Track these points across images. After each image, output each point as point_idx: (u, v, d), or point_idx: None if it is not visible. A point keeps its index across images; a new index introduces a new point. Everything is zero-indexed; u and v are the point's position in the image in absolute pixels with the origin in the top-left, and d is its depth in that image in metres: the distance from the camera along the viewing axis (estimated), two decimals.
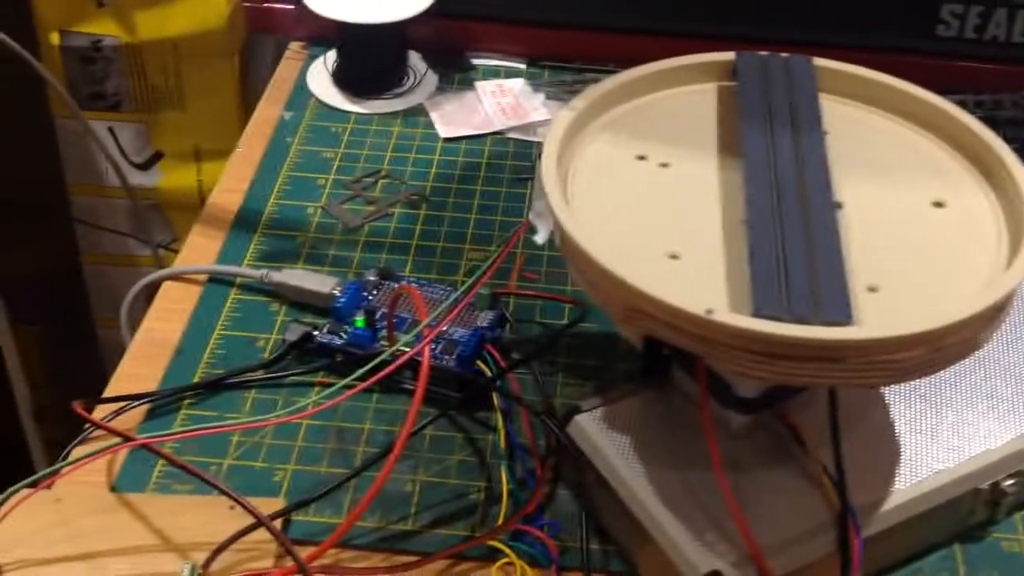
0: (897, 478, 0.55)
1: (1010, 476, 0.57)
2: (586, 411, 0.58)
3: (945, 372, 0.60)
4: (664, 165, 0.57)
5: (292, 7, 0.87)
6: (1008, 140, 0.84)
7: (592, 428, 0.57)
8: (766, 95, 0.60)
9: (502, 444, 0.61)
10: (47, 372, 1.22)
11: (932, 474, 0.56)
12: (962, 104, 0.88)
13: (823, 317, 0.46)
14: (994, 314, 0.48)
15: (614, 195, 0.56)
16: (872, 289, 0.50)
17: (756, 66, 0.62)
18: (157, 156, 1.18)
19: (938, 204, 0.55)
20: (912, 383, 0.59)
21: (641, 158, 0.58)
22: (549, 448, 0.60)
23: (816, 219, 0.51)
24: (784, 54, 0.63)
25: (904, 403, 0.59)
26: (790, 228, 0.51)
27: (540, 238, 0.52)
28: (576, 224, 0.51)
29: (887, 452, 0.57)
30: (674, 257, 0.52)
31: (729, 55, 0.63)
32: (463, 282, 0.68)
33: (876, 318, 0.48)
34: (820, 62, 0.62)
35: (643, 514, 0.54)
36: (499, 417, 0.62)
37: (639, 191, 0.56)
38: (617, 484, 0.55)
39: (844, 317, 0.46)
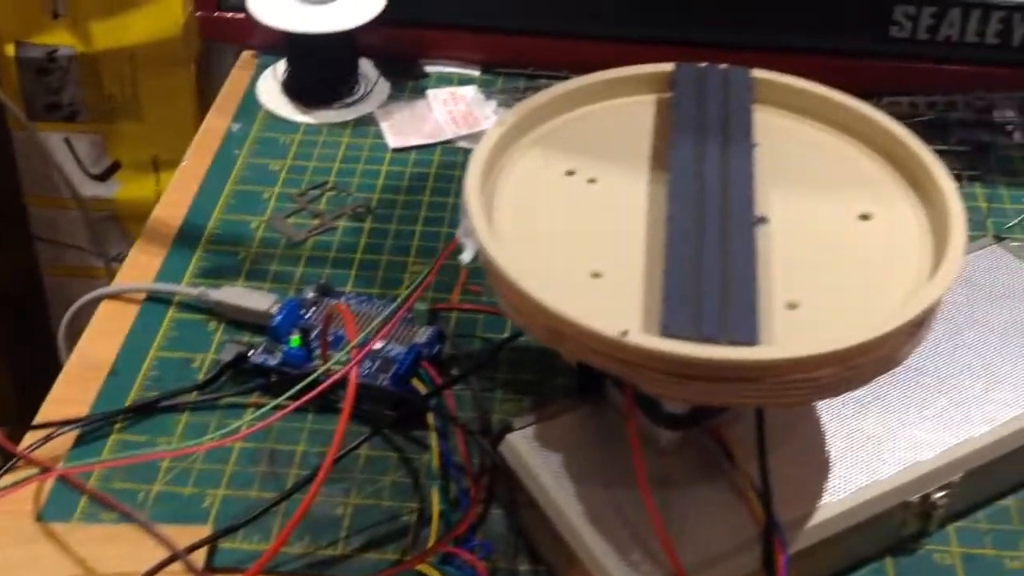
0: (826, 492, 0.55)
1: (941, 488, 0.56)
2: (518, 429, 0.58)
3: (876, 383, 0.59)
4: (592, 181, 0.57)
5: (243, 16, 0.86)
6: (960, 142, 0.85)
7: (523, 446, 0.57)
8: (700, 107, 0.59)
9: (435, 464, 0.60)
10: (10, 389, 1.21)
11: (861, 487, 0.55)
12: (914, 105, 0.88)
13: (730, 337, 0.46)
14: (913, 330, 0.48)
15: (540, 212, 0.55)
16: (792, 306, 0.49)
17: (693, 78, 0.61)
18: (115, 167, 1.18)
19: (864, 216, 0.54)
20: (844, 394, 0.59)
21: (570, 173, 0.57)
22: (483, 467, 0.59)
23: (735, 235, 0.51)
24: (723, 65, 0.62)
25: (834, 415, 0.58)
26: (708, 245, 0.50)
27: (466, 257, 0.52)
28: (497, 246, 0.50)
29: (816, 466, 0.56)
30: (597, 276, 0.51)
31: (669, 66, 0.63)
32: (405, 296, 0.67)
33: (793, 336, 0.48)
34: (758, 73, 0.62)
35: (569, 533, 0.53)
36: (434, 436, 0.61)
37: (566, 208, 0.55)
38: (545, 503, 0.55)
39: (750, 337, 0.46)
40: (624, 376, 0.48)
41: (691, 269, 0.49)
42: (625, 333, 0.46)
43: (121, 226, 1.18)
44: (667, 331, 0.46)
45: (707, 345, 0.45)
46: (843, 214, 0.55)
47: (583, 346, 0.48)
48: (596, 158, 0.58)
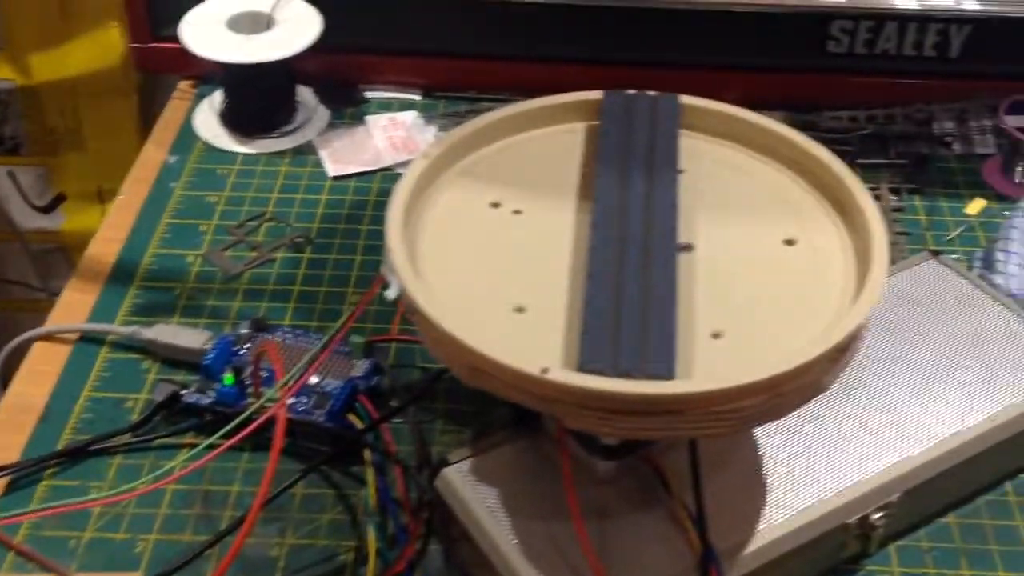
0: (763, 517, 0.55)
1: (879, 508, 0.56)
2: (454, 463, 0.57)
3: (812, 405, 0.59)
4: (517, 212, 0.56)
5: (178, 47, 0.85)
6: (900, 155, 0.85)
7: (459, 481, 0.56)
8: (626, 136, 0.59)
9: (372, 501, 0.59)
10: None
11: (798, 511, 0.55)
12: (854, 120, 0.88)
13: (647, 371, 0.45)
14: (837, 355, 0.48)
15: (465, 246, 0.55)
16: (716, 336, 0.49)
17: (621, 105, 0.61)
18: (60, 198, 1.17)
19: (789, 242, 0.54)
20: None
21: (495, 205, 0.57)
22: (421, 502, 0.59)
23: (656, 266, 0.50)
24: (652, 92, 0.62)
25: (772, 439, 0.58)
26: (629, 277, 0.50)
27: (391, 294, 0.51)
28: (418, 284, 0.50)
29: (754, 491, 0.56)
30: (520, 311, 0.51)
31: (598, 94, 0.62)
32: (333, 333, 0.67)
33: (717, 366, 0.47)
34: (687, 100, 0.61)
35: (504, 568, 0.53)
36: (370, 472, 0.60)
37: (490, 241, 0.55)
38: (480, 538, 0.54)
39: (667, 371, 0.45)
40: (548, 412, 0.48)
41: (611, 301, 0.49)
42: (546, 370, 0.45)
43: (68, 258, 1.17)
44: (585, 367, 0.46)
45: (625, 380, 0.45)
46: (768, 240, 0.54)
47: (505, 384, 0.47)
48: (521, 189, 0.57)
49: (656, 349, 0.46)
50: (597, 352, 0.46)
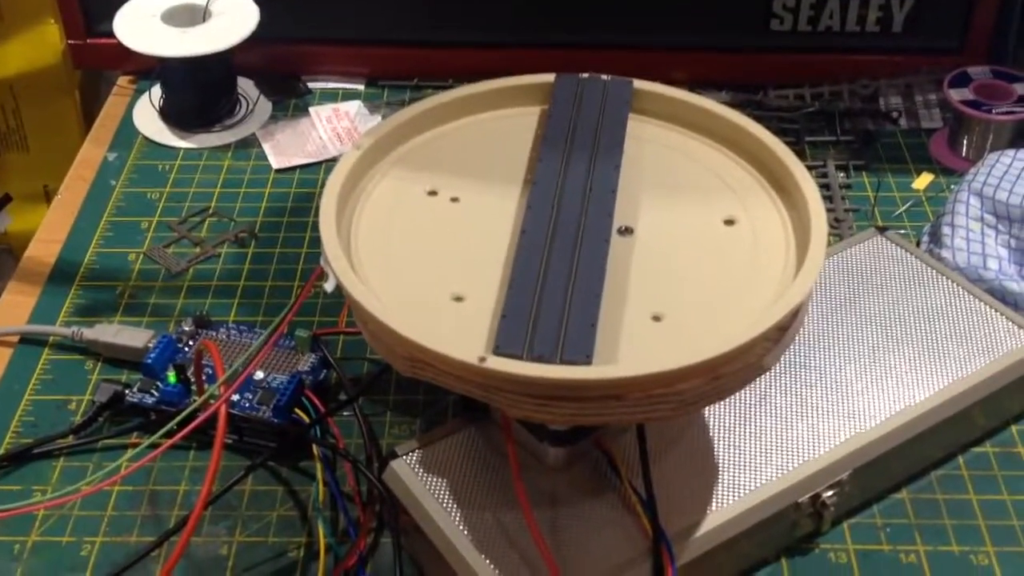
0: (714, 499, 0.54)
1: (830, 487, 0.56)
2: (402, 455, 0.57)
3: (761, 385, 0.59)
4: (455, 200, 0.56)
5: (114, 42, 0.84)
6: (846, 132, 0.85)
7: (407, 473, 0.56)
8: (574, 120, 0.58)
9: (320, 496, 0.59)
10: None
11: (749, 492, 0.55)
12: (800, 97, 0.88)
13: (563, 356, 0.45)
14: (777, 335, 0.47)
15: (402, 235, 0.54)
16: (656, 318, 0.49)
17: (572, 89, 0.60)
18: (6, 199, 1.15)
19: (729, 222, 0.54)
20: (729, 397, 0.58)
21: (432, 193, 0.56)
22: (370, 496, 0.58)
23: (586, 250, 0.50)
24: (605, 76, 0.61)
25: (721, 422, 0.58)
26: (557, 260, 0.49)
27: (329, 287, 0.50)
28: (352, 275, 0.49)
29: (705, 473, 0.56)
30: (458, 299, 0.50)
31: (548, 77, 0.61)
32: (272, 328, 0.66)
33: (657, 349, 0.47)
34: (637, 84, 0.61)
35: (454, 559, 0.52)
36: (319, 467, 0.60)
37: (428, 229, 0.54)
38: (430, 530, 0.54)
39: (583, 356, 0.45)
40: (489, 401, 0.47)
41: (534, 285, 0.48)
42: (483, 359, 0.45)
43: (17, 259, 1.15)
44: (499, 351, 0.45)
45: (556, 366, 0.44)
46: (708, 220, 0.54)
47: (444, 374, 0.47)
48: (459, 176, 0.57)
49: (575, 334, 0.46)
50: (513, 337, 0.46)
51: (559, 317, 0.46)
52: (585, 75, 0.61)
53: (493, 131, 0.60)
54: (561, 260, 0.49)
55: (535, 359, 0.45)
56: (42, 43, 1.06)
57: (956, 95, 0.81)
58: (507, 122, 0.61)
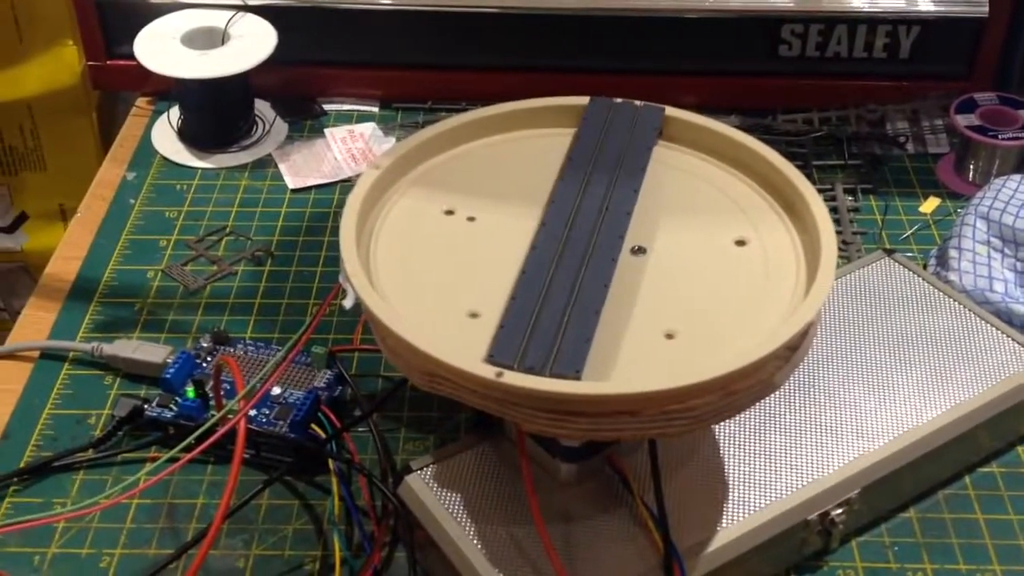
0: (725, 516, 0.55)
1: (839, 505, 0.57)
2: (416, 470, 0.57)
3: (771, 404, 0.60)
4: (471, 219, 0.57)
5: (134, 64, 0.85)
6: (854, 156, 0.86)
7: (421, 488, 0.57)
8: (601, 142, 0.60)
9: (336, 510, 0.60)
10: None
11: (759, 509, 0.56)
12: (808, 122, 0.89)
13: (554, 369, 0.46)
14: (787, 353, 0.48)
15: (420, 253, 0.55)
16: (669, 336, 0.50)
17: (603, 114, 0.61)
18: (22, 217, 1.16)
19: (740, 243, 0.55)
20: (740, 416, 0.59)
21: (449, 212, 0.57)
22: (385, 510, 0.59)
23: (592, 269, 0.51)
24: (639, 102, 0.62)
25: (732, 439, 0.59)
26: (563, 277, 0.50)
27: (348, 303, 0.52)
28: (372, 291, 0.50)
29: (716, 490, 0.56)
30: (474, 316, 0.51)
31: (575, 100, 0.63)
32: (291, 344, 0.67)
33: (670, 366, 0.48)
34: (668, 111, 0.62)
35: (468, 573, 0.53)
36: (334, 481, 0.61)
37: (445, 247, 0.55)
38: (445, 544, 0.55)
39: (573, 370, 0.46)
40: (504, 415, 0.48)
41: (536, 299, 0.49)
42: (500, 374, 0.46)
43: (32, 277, 1.16)
44: (491, 360, 0.46)
45: (559, 380, 0.46)
46: (720, 241, 0.55)
47: (462, 387, 0.47)
48: (476, 196, 0.58)
49: (568, 348, 0.47)
50: (507, 348, 0.47)
51: (555, 331, 0.48)
52: (619, 100, 0.62)
53: (517, 152, 0.61)
54: (566, 276, 0.51)
55: (526, 370, 0.46)
56: (60, 64, 1.08)
57: (963, 120, 0.83)
58: (533, 143, 0.62)
